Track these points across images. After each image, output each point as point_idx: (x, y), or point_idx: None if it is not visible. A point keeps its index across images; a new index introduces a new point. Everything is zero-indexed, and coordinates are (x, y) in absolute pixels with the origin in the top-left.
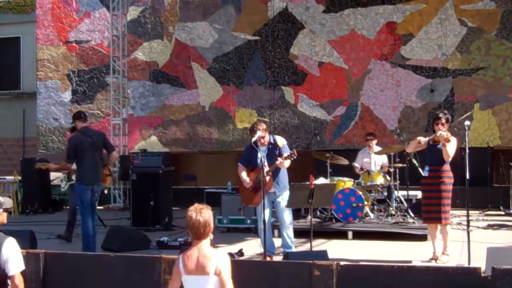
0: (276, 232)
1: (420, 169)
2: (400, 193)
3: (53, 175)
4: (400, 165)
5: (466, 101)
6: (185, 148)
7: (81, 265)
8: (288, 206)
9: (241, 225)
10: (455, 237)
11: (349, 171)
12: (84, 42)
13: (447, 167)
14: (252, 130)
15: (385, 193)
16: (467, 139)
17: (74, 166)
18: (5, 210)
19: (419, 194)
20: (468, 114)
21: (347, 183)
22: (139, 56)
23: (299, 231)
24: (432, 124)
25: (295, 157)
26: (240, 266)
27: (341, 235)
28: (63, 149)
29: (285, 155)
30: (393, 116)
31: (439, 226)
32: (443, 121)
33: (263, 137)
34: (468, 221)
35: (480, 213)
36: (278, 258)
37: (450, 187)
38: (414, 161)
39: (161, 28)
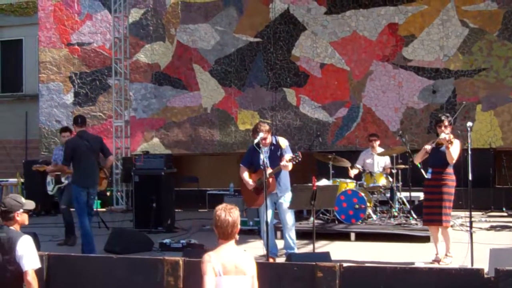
0: (278, 233)
1: (422, 171)
2: (403, 195)
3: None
4: (403, 166)
5: (468, 102)
6: (187, 150)
7: (84, 267)
8: (290, 207)
9: (243, 227)
10: (458, 238)
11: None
12: (86, 44)
13: (450, 169)
14: (255, 131)
15: (388, 195)
16: (469, 140)
17: (70, 169)
18: (26, 211)
19: (421, 195)
20: (459, 110)
21: (350, 184)
22: (141, 58)
23: (301, 233)
24: (434, 127)
25: (299, 159)
26: None
27: (344, 236)
28: None
29: (289, 157)
30: (395, 117)
31: (440, 229)
32: (446, 123)
33: (265, 138)
34: (471, 222)
35: (482, 214)
36: (281, 259)
37: (453, 190)
38: (418, 164)
39: (163, 30)
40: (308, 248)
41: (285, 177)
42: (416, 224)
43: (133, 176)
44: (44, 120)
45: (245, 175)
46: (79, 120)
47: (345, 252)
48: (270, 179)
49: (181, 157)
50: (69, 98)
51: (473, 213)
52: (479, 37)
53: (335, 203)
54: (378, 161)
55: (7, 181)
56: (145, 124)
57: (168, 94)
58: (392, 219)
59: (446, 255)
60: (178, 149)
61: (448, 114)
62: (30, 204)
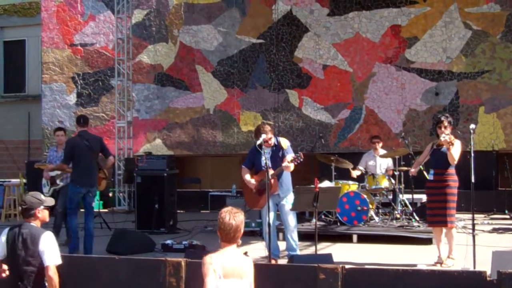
0: (281, 235)
1: (425, 173)
2: (405, 197)
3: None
4: (405, 168)
5: (471, 105)
6: (189, 151)
7: (86, 268)
8: (293, 209)
9: (246, 228)
10: (460, 241)
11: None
12: (89, 45)
13: (452, 170)
14: (257, 132)
15: (390, 197)
16: (472, 143)
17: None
18: (46, 207)
19: (424, 197)
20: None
21: (352, 186)
22: (143, 59)
23: (303, 235)
24: (434, 127)
25: (301, 160)
26: None
27: (346, 238)
28: None
29: (291, 158)
30: (398, 119)
31: (444, 230)
32: (446, 124)
33: (268, 139)
34: (473, 224)
35: (485, 217)
36: (283, 261)
37: (455, 190)
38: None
39: (166, 31)
40: (310, 250)
41: (287, 179)
42: (419, 226)
43: (135, 177)
44: (46, 121)
45: (247, 176)
46: (82, 120)
47: (347, 254)
48: (272, 180)
49: (183, 158)
50: (72, 98)
51: (475, 215)
52: (482, 39)
53: (338, 205)
54: (381, 163)
55: (9, 181)
56: (148, 125)
57: (170, 95)
58: (394, 221)
59: (448, 257)
60: (180, 150)
61: (447, 115)
62: (50, 201)
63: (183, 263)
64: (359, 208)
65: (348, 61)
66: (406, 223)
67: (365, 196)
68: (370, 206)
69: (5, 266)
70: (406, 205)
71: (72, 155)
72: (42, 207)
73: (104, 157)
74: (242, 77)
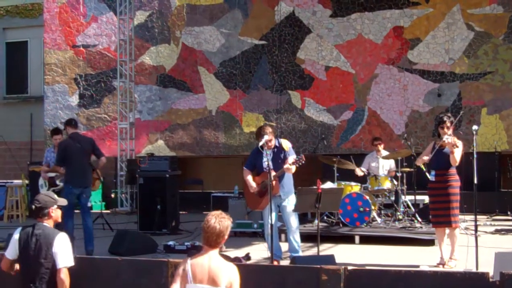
0: (283, 236)
1: (427, 173)
2: (408, 198)
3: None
4: (408, 169)
5: (474, 106)
6: (192, 152)
7: (88, 268)
8: (295, 210)
9: (248, 229)
10: (462, 242)
11: (356, 175)
12: (91, 46)
13: (453, 170)
14: (259, 134)
15: (392, 198)
16: (474, 144)
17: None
18: (59, 207)
19: (426, 198)
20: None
21: (354, 187)
22: (146, 60)
23: (306, 236)
24: (436, 128)
25: (303, 162)
26: (247, 271)
27: (348, 239)
28: None
29: (293, 160)
30: (400, 120)
31: (447, 231)
32: (448, 124)
33: (270, 141)
34: (475, 226)
35: (487, 218)
36: (285, 262)
37: (458, 190)
38: (421, 166)
39: (168, 33)
40: (312, 251)
41: (288, 180)
42: (421, 227)
43: (137, 178)
44: (49, 122)
45: (249, 178)
46: (73, 122)
47: (349, 255)
48: (274, 182)
49: (185, 159)
50: (74, 100)
51: (478, 216)
52: (484, 40)
53: (340, 206)
54: (383, 164)
55: (12, 182)
56: (150, 126)
57: (173, 97)
58: (396, 222)
59: (450, 258)
60: (182, 151)
61: (449, 115)
62: (63, 201)
63: None
64: (361, 209)
65: (350, 62)
66: (409, 224)
67: (367, 197)
68: (373, 207)
69: (17, 266)
70: (408, 206)
71: (64, 157)
72: (55, 206)
73: (96, 158)
74: (244, 78)
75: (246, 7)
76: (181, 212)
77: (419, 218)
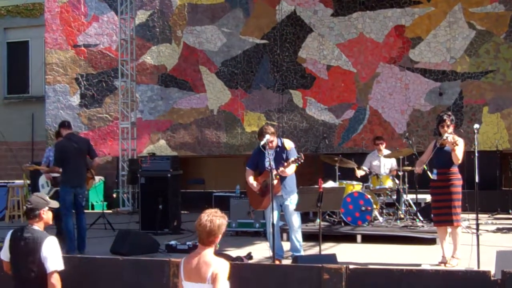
0: (284, 235)
1: (428, 172)
2: (409, 197)
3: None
4: (409, 168)
5: (475, 105)
6: (193, 152)
7: (90, 268)
8: (297, 209)
9: (250, 229)
10: (464, 240)
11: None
12: (92, 46)
13: (455, 169)
14: (261, 133)
15: (394, 197)
16: (476, 143)
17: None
18: (51, 209)
19: (428, 197)
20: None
21: (356, 186)
22: (147, 60)
23: (307, 235)
24: (437, 126)
25: (302, 161)
26: (249, 270)
27: (350, 238)
28: None
29: (292, 158)
30: (402, 119)
31: (449, 230)
32: (448, 122)
33: (271, 141)
34: (477, 224)
35: (489, 216)
36: (287, 261)
37: (460, 189)
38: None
39: (170, 32)
40: (314, 250)
41: (291, 180)
42: (423, 226)
43: (139, 178)
44: (50, 122)
45: (251, 178)
46: (66, 124)
47: (351, 254)
48: (276, 181)
49: (187, 159)
50: (76, 99)
51: (479, 215)
52: (486, 39)
53: (342, 205)
54: (385, 163)
55: (13, 182)
56: (152, 126)
57: (174, 96)
58: (398, 221)
59: (452, 257)
60: (184, 151)
61: (449, 113)
62: (55, 203)
63: None
64: (363, 208)
65: (352, 61)
66: (410, 223)
67: (369, 196)
68: (374, 206)
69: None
70: (410, 205)
71: (62, 157)
72: (47, 208)
73: (90, 158)
74: (246, 78)
75: (247, 6)
76: (182, 212)
77: (420, 217)
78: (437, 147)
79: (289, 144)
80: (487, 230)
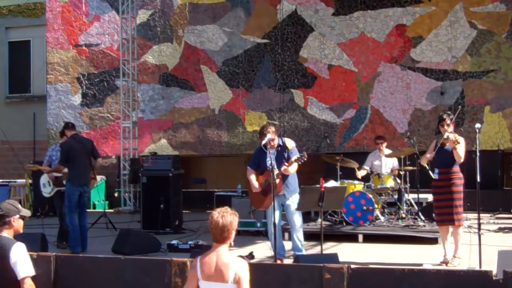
0: (286, 235)
1: (430, 172)
2: (411, 196)
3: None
4: (411, 168)
5: (476, 104)
6: (195, 151)
7: (91, 268)
8: (298, 209)
9: (251, 228)
10: (465, 240)
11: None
12: (94, 45)
13: (456, 168)
14: (262, 133)
15: (396, 196)
16: (477, 142)
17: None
18: (22, 217)
19: (429, 197)
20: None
21: (358, 186)
22: (148, 59)
23: (309, 234)
24: (437, 126)
25: (305, 159)
26: (250, 269)
27: (352, 238)
28: None
29: (295, 157)
30: (403, 119)
31: (450, 229)
32: (448, 122)
33: (273, 140)
34: (479, 224)
35: (490, 216)
36: (288, 261)
37: (461, 188)
38: (425, 165)
39: (171, 31)
40: (315, 250)
41: (293, 179)
42: (424, 225)
43: (140, 177)
44: (52, 121)
45: (252, 177)
46: (70, 125)
47: (353, 253)
48: (277, 181)
49: (188, 158)
50: (77, 99)
51: (481, 215)
52: (487, 38)
53: (343, 205)
54: (386, 162)
55: (15, 182)
56: (153, 125)
57: (175, 95)
58: (400, 220)
59: (454, 256)
60: (185, 150)
61: (449, 112)
62: (27, 212)
63: (188, 263)
64: (364, 207)
65: (353, 60)
66: (412, 223)
67: (370, 195)
68: (376, 205)
69: None
70: (411, 205)
71: (68, 157)
72: (18, 216)
73: (93, 158)
74: (247, 77)
75: (248, 6)
76: (184, 211)
77: (422, 217)
78: (438, 146)
79: (290, 143)
80: (488, 230)
